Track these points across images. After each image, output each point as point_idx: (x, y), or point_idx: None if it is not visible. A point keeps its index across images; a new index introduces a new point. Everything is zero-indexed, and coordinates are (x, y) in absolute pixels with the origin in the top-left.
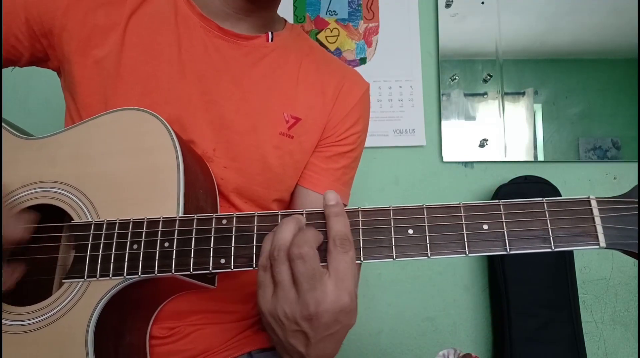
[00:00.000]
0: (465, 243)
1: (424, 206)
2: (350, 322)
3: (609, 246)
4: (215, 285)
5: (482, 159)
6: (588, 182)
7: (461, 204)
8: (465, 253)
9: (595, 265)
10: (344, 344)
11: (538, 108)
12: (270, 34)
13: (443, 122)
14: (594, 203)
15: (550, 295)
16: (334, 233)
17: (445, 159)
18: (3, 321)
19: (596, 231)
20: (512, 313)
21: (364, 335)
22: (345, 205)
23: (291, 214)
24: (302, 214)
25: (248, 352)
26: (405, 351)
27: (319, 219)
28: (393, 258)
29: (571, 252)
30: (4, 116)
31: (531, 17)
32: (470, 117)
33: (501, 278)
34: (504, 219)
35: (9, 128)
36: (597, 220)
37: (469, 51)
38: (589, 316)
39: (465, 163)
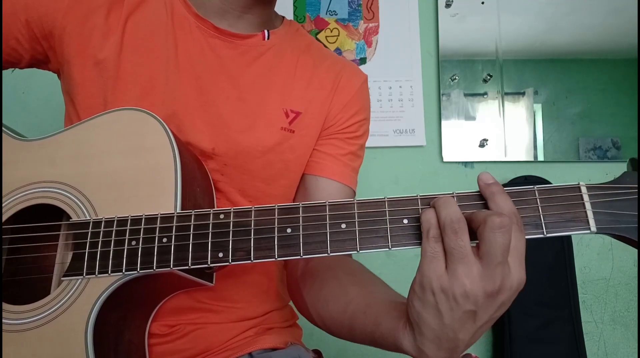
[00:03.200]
0: None
1: (418, 197)
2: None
3: (600, 231)
4: (214, 282)
5: (482, 159)
6: (588, 182)
7: (454, 194)
8: None
9: (595, 265)
10: (344, 344)
11: (538, 108)
12: (266, 32)
13: (443, 122)
14: (584, 189)
15: (551, 294)
16: (508, 210)
17: (445, 159)
18: (2, 320)
19: (587, 217)
20: (512, 312)
21: None
22: (354, 191)
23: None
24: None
25: (249, 353)
26: None
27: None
28: (389, 248)
29: (571, 252)
30: (3, 116)
31: (531, 17)
32: (470, 117)
33: None
34: None
35: (7, 131)
36: (588, 206)
37: (469, 51)
38: (589, 316)
39: (465, 163)
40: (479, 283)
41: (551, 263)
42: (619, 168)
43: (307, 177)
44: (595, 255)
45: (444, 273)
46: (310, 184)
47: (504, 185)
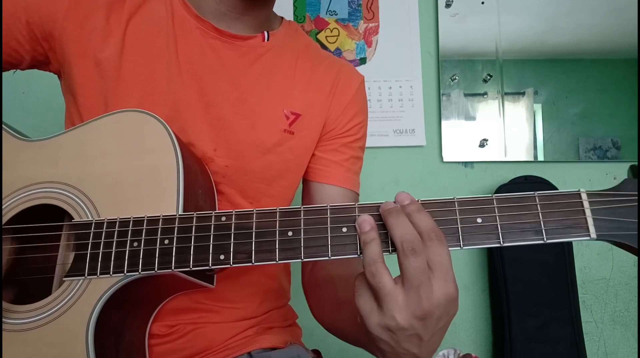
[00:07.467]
0: (460, 236)
1: (419, 201)
2: (456, 310)
3: (600, 238)
4: (214, 284)
5: (482, 159)
6: (588, 182)
7: (455, 199)
8: (460, 246)
9: (595, 265)
10: (344, 344)
11: (538, 108)
12: (266, 33)
13: (443, 122)
14: (584, 196)
15: (550, 294)
16: (425, 227)
17: (445, 159)
18: (3, 319)
19: (587, 223)
20: (512, 313)
21: None
22: (357, 194)
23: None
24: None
25: (248, 352)
26: None
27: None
28: (389, 252)
29: (571, 252)
30: (4, 116)
31: (531, 17)
32: (470, 117)
33: (501, 278)
34: (497, 213)
35: (9, 130)
36: (588, 212)
37: (469, 51)
38: (589, 316)
39: (465, 163)
40: (407, 312)
41: (551, 263)
42: (619, 168)
43: (313, 184)
44: (595, 255)
45: (376, 310)
46: (316, 192)
47: (504, 185)
